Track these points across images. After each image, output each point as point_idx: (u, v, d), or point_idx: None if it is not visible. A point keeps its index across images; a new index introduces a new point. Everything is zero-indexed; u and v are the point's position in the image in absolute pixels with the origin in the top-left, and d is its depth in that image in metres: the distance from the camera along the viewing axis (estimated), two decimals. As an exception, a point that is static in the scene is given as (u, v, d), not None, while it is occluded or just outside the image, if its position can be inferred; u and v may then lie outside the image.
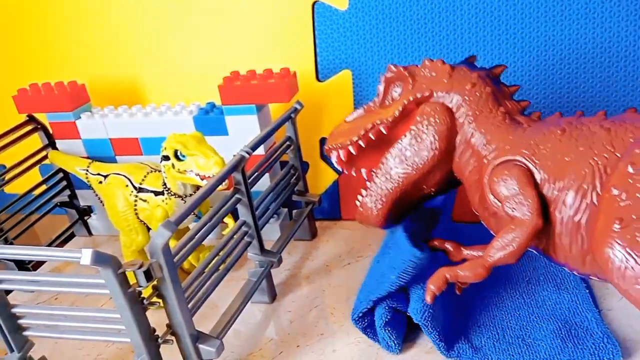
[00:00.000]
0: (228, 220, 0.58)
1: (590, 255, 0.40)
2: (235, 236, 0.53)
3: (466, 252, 0.50)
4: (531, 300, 0.52)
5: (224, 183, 0.50)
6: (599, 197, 0.39)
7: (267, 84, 0.60)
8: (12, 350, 0.47)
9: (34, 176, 0.73)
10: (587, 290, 0.52)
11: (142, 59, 0.73)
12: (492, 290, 0.54)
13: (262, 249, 0.56)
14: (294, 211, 0.68)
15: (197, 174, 0.52)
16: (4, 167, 0.80)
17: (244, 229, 0.54)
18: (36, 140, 0.71)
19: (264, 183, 0.64)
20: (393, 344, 0.48)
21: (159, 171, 0.58)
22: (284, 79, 0.60)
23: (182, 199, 0.56)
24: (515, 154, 0.43)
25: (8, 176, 0.67)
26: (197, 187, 0.56)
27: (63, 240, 0.74)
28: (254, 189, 0.56)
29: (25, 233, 0.69)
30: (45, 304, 0.61)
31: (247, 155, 0.51)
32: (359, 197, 0.51)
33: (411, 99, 0.48)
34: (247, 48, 0.70)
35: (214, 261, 0.50)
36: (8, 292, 0.45)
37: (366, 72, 0.67)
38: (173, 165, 0.52)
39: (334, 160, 0.52)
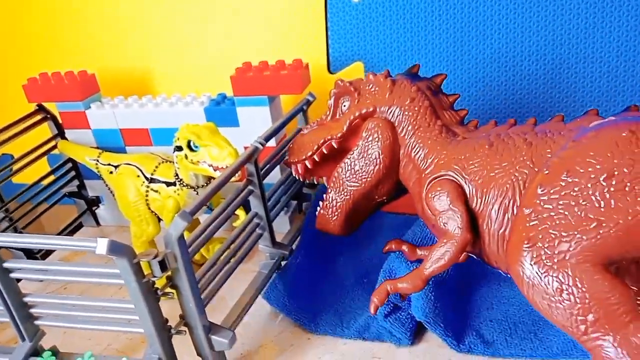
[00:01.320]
0: (239, 212, 0.58)
1: None
2: (247, 228, 0.53)
3: (420, 252, 0.53)
4: None
5: (237, 174, 0.49)
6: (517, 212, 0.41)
7: (280, 75, 0.60)
8: (23, 339, 0.47)
9: (43, 166, 0.72)
10: None
11: (152, 49, 0.73)
12: (504, 285, 0.54)
13: (274, 242, 0.56)
14: (304, 204, 0.68)
15: (210, 165, 0.51)
16: (12, 157, 0.80)
17: (255, 220, 0.54)
18: (45, 130, 0.70)
19: (275, 175, 0.64)
20: (402, 336, 0.48)
21: (171, 162, 0.58)
22: (297, 70, 0.60)
23: (194, 190, 0.56)
24: (448, 170, 0.45)
25: (17, 166, 0.67)
26: (209, 178, 0.56)
27: (71, 230, 0.74)
28: (265, 181, 0.55)
29: (33, 223, 0.69)
30: (55, 294, 0.61)
31: (260, 147, 0.51)
32: (318, 208, 0.54)
33: (357, 114, 0.51)
34: (259, 39, 0.69)
35: (226, 253, 0.50)
36: (17, 280, 0.45)
37: (378, 65, 0.66)
38: (186, 156, 0.52)
39: (294, 173, 0.56)
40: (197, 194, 0.56)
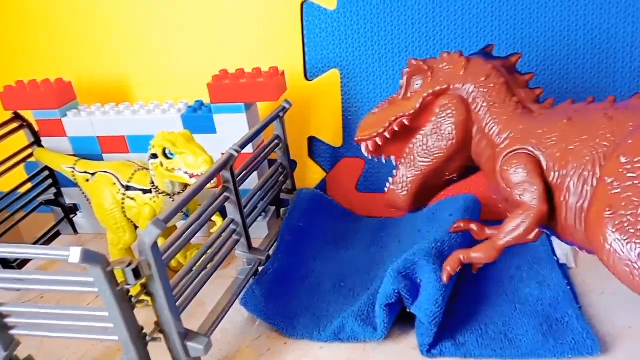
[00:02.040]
0: (216, 218, 0.59)
1: None
2: (223, 234, 0.53)
3: (489, 231, 0.53)
4: (514, 296, 0.53)
5: (212, 181, 0.50)
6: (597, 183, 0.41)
7: (256, 82, 0.61)
8: (-3, 349, 0.47)
9: (19, 174, 0.72)
10: (569, 287, 0.53)
11: (130, 57, 0.73)
12: (475, 287, 0.55)
13: (250, 247, 0.57)
14: (282, 209, 0.69)
15: (186, 172, 0.52)
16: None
17: (232, 227, 0.55)
18: (22, 138, 0.70)
19: (252, 181, 0.64)
20: (383, 328, 0.49)
21: (147, 169, 0.58)
22: (273, 78, 0.61)
23: (170, 197, 0.56)
24: (525, 144, 0.46)
25: (-8, 174, 0.66)
26: (185, 185, 0.56)
27: (49, 238, 0.73)
28: (242, 187, 0.56)
29: (10, 231, 0.68)
30: (31, 303, 0.61)
31: (235, 154, 0.52)
32: (387, 184, 0.54)
33: (430, 91, 0.51)
34: (236, 47, 0.70)
35: (202, 259, 0.50)
36: (-7, 290, 0.45)
37: (354, 72, 0.68)
38: (161, 164, 0.53)
39: (363, 150, 0.55)
40: (174, 201, 0.56)
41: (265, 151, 0.63)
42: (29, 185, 0.71)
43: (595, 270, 0.53)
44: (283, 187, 0.68)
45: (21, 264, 0.68)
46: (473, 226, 0.54)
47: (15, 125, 0.69)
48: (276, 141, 0.65)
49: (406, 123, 0.52)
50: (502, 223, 0.45)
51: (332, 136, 0.71)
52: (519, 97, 0.49)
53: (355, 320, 0.51)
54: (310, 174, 0.74)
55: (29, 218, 0.71)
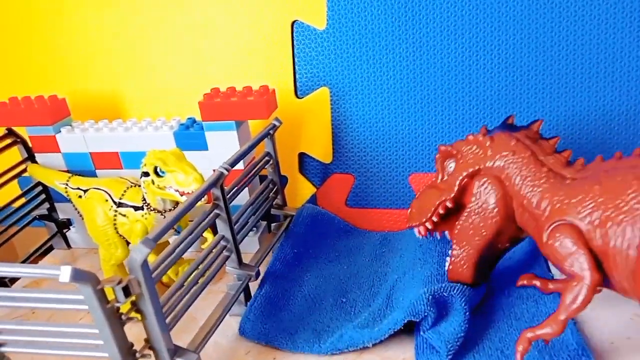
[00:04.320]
0: (207, 234, 0.60)
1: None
2: (214, 250, 0.54)
3: (551, 286, 0.55)
4: (510, 312, 0.54)
5: (203, 199, 0.51)
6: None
7: (247, 101, 0.62)
8: (-12, 366, 0.47)
9: (13, 189, 0.73)
10: None
11: (123, 74, 0.74)
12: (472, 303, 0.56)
13: (240, 263, 0.58)
14: (273, 224, 0.70)
15: (177, 190, 0.53)
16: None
17: (222, 243, 0.56)
18: (15, 154, 0.71)
19: (243, 197, 0.65)
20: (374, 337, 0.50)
21: (139, 186, 0.59)
22: (263, 96, 0.62)
23: (162, 214, 0.57)
24: (563, 215, 0.46)
25: (-14, 190, 0.67)
26: (177, 203, 0.57)
27: (42, 253, 0.74)
28: (233, 202, 0.57)
29: (3, 246, 0.69)
30: (22, 319, 0.61)
31: (226, 172, 0.53)
32: (448, 259, 0.56)
33: (464, 174, 0.53)
34: (227, 65, 0.71)
35: (192, 275, 0.51)
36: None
37: (343, 90, 0.69)
38: (153, 181, 0.53)
39: (416, 233, 0.58)
40: (165, 218, 0.57)
41: (256, 168, 0.64)
42: (22, 200, 0.71)
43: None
44: (274, 203, 0.69)
45: (13, 279, 0.68)
46: (537, 282, 0.55)
47: (9, 141, 0.70)
48: (267, 158, 0.66)
49: (449, 206, 0.54)
50: (561, 296, 0.45)
51: (322, 152, 0.73)
52: (549, 165, 0.50)
53: (353, 328, 0.52)
54: (300, 190, 0.75)
55: (23, 232, 0.71)
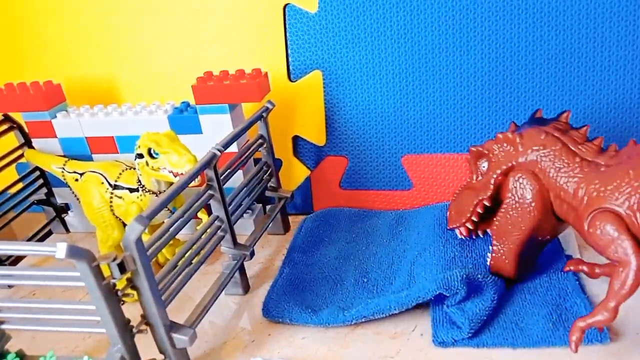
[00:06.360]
0: (202, 215, 0.61)
1: None
2: (208, 230, 0.55)
3: (598, 270, 0.54)
4: (524, 287, 0.55)
5: (196, 180, 0.52)
6: None
7: (239, 84, 0.62)
8: (-11, 343, 0.48)
9: (10, 174, 0.73)
10: (576, 278, 0.55)
11: (117, 59, 0.75)
12: (485, 278, 0.56)
13: (235, 243, 0.59)
14: (268, 206, 0.71)
15: (170, 171, 0.54)
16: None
17: (217, 223, 0.57)
18: (12, 139, 0.72)
19: (238, 179, 0.66)
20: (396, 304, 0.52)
21: (134, 169, 0.60)
22: (256, 79, 0.63)
23: (157, 196, 0.58)
24: (601, 202, 0.46)
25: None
26: (171, 184, 0.58)
27: (40, 237, 0.75)
28: (228, 185, 0.58)
29: (1, 231, 0.70)
30: (24, 299, 0.63)
31: (218, 153, 0.54)
32: (488, 257, 0.57)
33: (498, 171, 0.54)
34: (220, 49, 0.72)
35: (187, 254, 0.52)
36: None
37: (336, 73, 0.70)
38: (147, 163, 0.54)
39: (458, 234, 0.60)
40: (160, 199, 0.58)
41: (250, 150, 0.64)
42: (20, 185, 0.72)
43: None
44: (268, 185, 0.70)
45: (14, 262, 0.69)
46: (584, 267, 0.55)
47: (5, 126, 0.71)
48: (260, 140, 0.66)
49: (487, 204, 0.55)
50: (609, 283, 0.45)
51: (316, 135, 0.73)
52: (581, 155, 0.50)
53: (379, 297, 0.53)
54: (295, 172, 0.76)
55: (21, 217, 0.72)
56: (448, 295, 0.51)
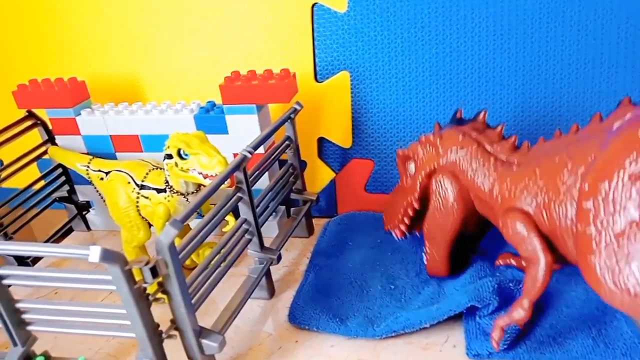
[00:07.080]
0: (229, 217, 0.60)
1: None
2: (236, 233, 0.54)
3: (524, 262, 0.54)
4: (560, 300, 0.53)
5: (226, 182, 0.51)
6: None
7: (268, 84, 0.61)
8: (15, 345, 0.48)
9: (33, 171, 0.73)
10: None
11: (142, 57, 0.74)
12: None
13: (262, 246, 0.58)
14: (292, 209, 0.70)
15: (200, 173, 0.53)
16: (1, 162, 0.80)
17: (244, 226, 0.56)
18: (36, 136, 0.71)
19: (264, 181, 0.65)
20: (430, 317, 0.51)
21: (161, 169, 0.59)
22: (284, 80, 0.61)
23: (184, 197, 0.57)
24: (512, 202, 0.47)
25: (7, 172, 0.67)
26: (199, 185, 0.57)
27: (61, 235, 0.74)
28: (254, 187, 0.57)
29: (23, 228, 0.69)
30: (46, 299, 0.62)
31: (249, 155, 0.53)
32: (423, 257, 0.58)
33: (423, 173, 0.55)
34: (247, 48, 0.71)
35: (216, 258, 0.51)
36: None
37: (363, 74, 0.68)
38: (176, 164, 0.53)
39: (395, 236, 0.60)
40: (187, 200, 0.57)
41: (277, 152, 0.63)
42: (42, 183, 0.72)
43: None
44: (293, 187, 0.69)
45: (34, 260, 0.69)
46: (512, 261, 0.57)
47: (29, 123, 0.70)
48: (287, 142, 0.65)
49: (416, 206, 0.56)
50: (524, 281, 0.46)
51: (342, 137, 0.72)
52: (496, 154, 0.51)
53: (409, 311, 0.52)
54: (319, 175, 0.74)
55: (42, 215, 0.72)
56: (480, 306, 0.50)
